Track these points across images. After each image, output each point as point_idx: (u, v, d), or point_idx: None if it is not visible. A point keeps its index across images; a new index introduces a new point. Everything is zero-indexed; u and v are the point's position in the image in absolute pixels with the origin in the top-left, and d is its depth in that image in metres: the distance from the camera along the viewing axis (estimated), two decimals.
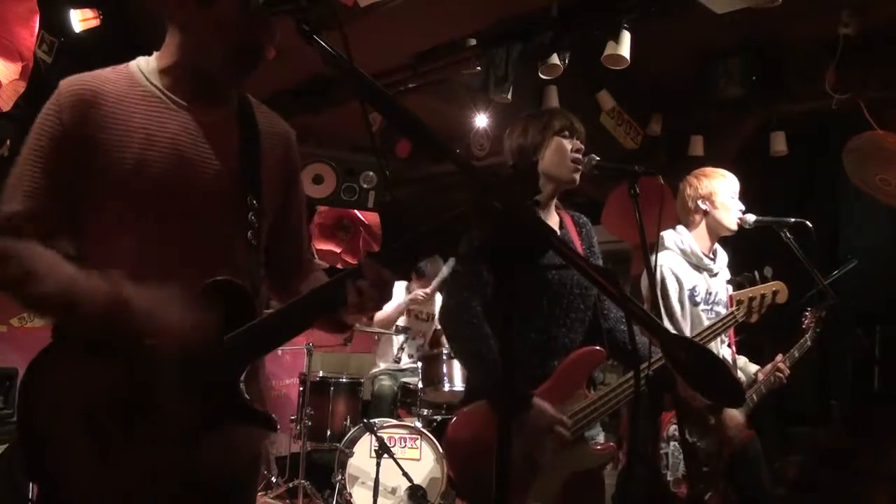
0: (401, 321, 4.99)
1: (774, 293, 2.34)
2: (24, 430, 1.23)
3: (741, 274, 2.57)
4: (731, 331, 2.72)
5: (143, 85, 1.33)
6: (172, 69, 1.35)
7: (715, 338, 2.33)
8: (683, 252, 2.71)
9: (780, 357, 2.70)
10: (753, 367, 2.76)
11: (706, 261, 2.70)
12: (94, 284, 1.18)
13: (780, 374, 2.67)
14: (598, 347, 2.05)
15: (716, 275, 2.73)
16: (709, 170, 2.80)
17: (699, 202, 2.72)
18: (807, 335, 2.73)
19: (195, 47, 1.33)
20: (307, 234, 1.61)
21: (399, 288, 5.14)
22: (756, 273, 2.37)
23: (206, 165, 1.33)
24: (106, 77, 1.32)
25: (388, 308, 4.99)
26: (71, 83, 1.29)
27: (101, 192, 1.28)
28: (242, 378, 1.28)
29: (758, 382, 2.68)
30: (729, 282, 2.73)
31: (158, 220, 1.29)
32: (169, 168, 1.29)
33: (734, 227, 2.69)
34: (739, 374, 2.80)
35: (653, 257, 2.04)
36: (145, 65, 1.36)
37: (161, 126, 1.30)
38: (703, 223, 2.73)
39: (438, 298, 5.09)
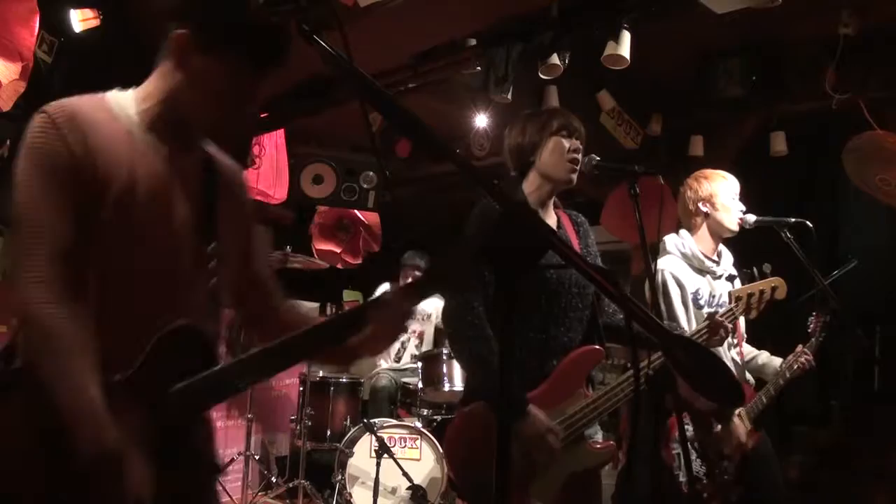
0: None
1: (773, 289, 2.34)
2: None
3: (740, 271, 2.57)
4: (739, 333, 2.72)
5: (123, 121, 1.30)
6: (154, 109, 1.32)
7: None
8: (685, 255, 2.70)
9: (800, 347, 2.70)
10: (778, 360, 2.76)
11: (708, 263, 2.70)
12: (90, 412, 1.14)
13: (805, 360, 2.66)
14: (596, 346, 2.05)
15: (719, 277, 2.73)
16: (709, 172, 2.80)
17: (700, 205, 2.72)
18: (812, 339, 2.73)
19: (187, 97, 1.31)
20: (274, 283, 1.56)
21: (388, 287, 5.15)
22: (755, 269, 2.37)
23: (177, 211, 1.32)
24: (90, 105, 1.28)
25: None
26: (62, 106, 1.23)
27: (87, 226, 1.23)
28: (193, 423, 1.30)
29: (781, 369, 2.67)
30: (734, 277, 2.72)
31: (130, 258, 1.26)
32: (145, 210, 1.27)
33: (735, 228, 2.69)
34: (765, 368, 2.80)
35: (653, 259, 2.04)
36: (123, 101, 1.33)
37: (141, 166, 1.28)
38: (705, 225, 2.74)
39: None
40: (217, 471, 1.36)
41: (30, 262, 1.17)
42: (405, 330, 1.37)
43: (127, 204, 1.24)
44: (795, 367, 2.66)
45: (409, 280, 5.00)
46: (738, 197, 2.73)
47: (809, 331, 2.75)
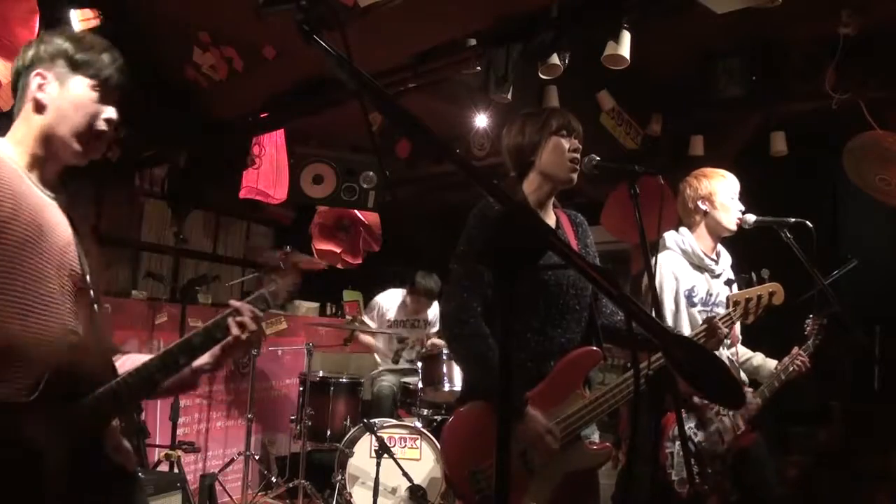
0: (396, 331, 5.02)
1: (771, 294, 2.35)
2: None
3: (738, 276, 2.57)
4: (734, 334, 2.72)
5: (10, 162, 1.44)
6: (30, 150, 1.48)
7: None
8: (684, 252, 2.71)
9: (796, 349, 2.70)
10: (773, 363, 2.76)
11: (707, 261, 2.70)
12: None
13: (801, 362, 2.65)
14: (594, 348, 2.05)
15: (717, 276, 2.72)
16: (708, 170, 2.80)
17: (699, 203, 2.72)
18: (808, 342, 2.73)
19: (48, 127, 1.47)
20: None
21: (395, 296, 5.15)
22: (753, 274, 2.37)
23: (56, 240, 1.44)
24: None
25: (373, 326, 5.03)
26: None
27: None
28: (106, 435, 1.42)
29: (777, 371, 2.67)
30: (732, 281, 2.72)
31: (14, 283, 1.36)
32: (24, 239, 1.37)
33: (734, 227, 2.69)
34: (759, 370, 2.79)
35: (653, 258, 2.04)
36: (3, 146, 1.48)
37: (25, 200, 1.40)
38: (703, 224, 2.74)
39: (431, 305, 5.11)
40: (132, 478, 1.48)
41: None
42: (256, 339, 1.55)
43: (9, 238, 1.35)
44: (791, 369, 2.65)
45: (416, 302, 5.02)
46: (737, 196, 2.73)
47: (806, 333, 2.74)
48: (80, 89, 1.48)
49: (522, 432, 1.86)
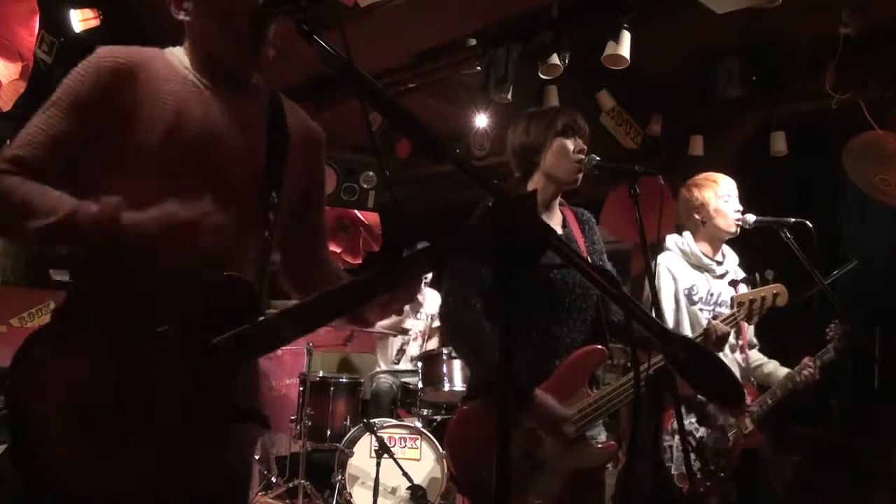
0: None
1: (775, 296, 2.34)
2: (13, 417, 1.22)
3: (742, 276, 2.57)
4: (744, 336, 2.72)
5: (176, 67, 1.34)
6: (193, 57, 1.36)
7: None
8: (683, 252, 2.72)
9: (807, 359, 2.69)
10: (784, 370, 2.75)
11: (706, 261, 2.71)
12: (86, 202, 1.17)
13: (810, 371, 2.64)
14: (599, 347, 2.05)
15: (720, 276, 2.73)
16: (699, 178, 2.80)
17: (694, 214, 2.74)
18: (830, 346, 2.71)
19: (200, 35, 1.34)
20: (325, 234, 1.59)
21: None
22: (757, 275, 2.37)
23: (235, 150, 1.32)
24: (142, 53, 1.32)
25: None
26: (111, 52, 1.28)
27: (127, 163, 1.25)
28: (237, 376, 1.28)
29: (784, 379, 2.66)
30: (738, 282, 2.71)
31: (180, 196, 1.21)
32: (198, 145, 1.28)
33: (734, 229, 2.69)
34: (771, 377, 2.78)
35: (653, 257, 2.04)
36: (178, 51, 1.38)
37: (193, 105, 1.30)
38: (703, 231, 2.75)
39: (430, 294, 5.09)
40: (266, 426, 1.32)
41: (5, 149, 1.23)
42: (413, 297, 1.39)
43: (178, 137, 1.26)
44: (798, 379, 2.65)
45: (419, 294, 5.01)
46: (733, 197, 2.72)
47: (828, 338, 2.73)
48: None
49: (538, 418, 1.87)
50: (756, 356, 2.84)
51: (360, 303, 1.28)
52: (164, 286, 1.19)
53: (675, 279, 2.64)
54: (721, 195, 2.71)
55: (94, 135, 1.25)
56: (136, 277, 1.20)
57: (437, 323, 5.03)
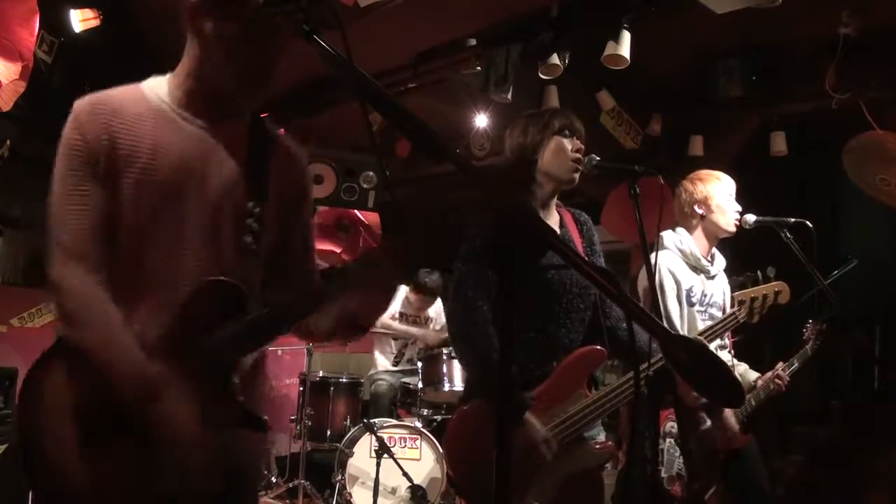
0: (397, 326, 5.01)
1: (776, 293, 2.33)
2: (24, 429, 1.26)
3: (744, 274, 2.56)
4: (730, 334, 2.72)
5: (153, 102, 1.36)
6: (186, 84, 1.37)
7: (715, 338, 2.33)
8: (682, 252, 2.71)
9: (780, 365, 2.70)
10: (754, 375, 2.75)
11: (703, 262, 2.71)
12: (140, 364, 1.23)
13: (780, 382, 2.66)
14: (598, 347, 2.05)
15: (712, 278, 2.73)
16: (703, 173, 2.80)
17: (695, 207, 2.73)
18: (807, 346, 2.72)
19: (209, 60, 1.34)
20: (313, 251, 1.58)
21: (398, 292, 5.15)
22: (759, 273, 2.37)
23: (211, 171, 1.35)
24: (118, 95, 1.36)
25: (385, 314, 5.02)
26: (87, 101, 1.32)
27: (113, 199, 1.30)
28: (237, 380, 1.30)
29: (756, 389, 2.67)
30: (731, 281, 2.73)
31: (161, 222, 1.31)
32: (173, 174, 1.31)
33: (732, 228, 2.69)
34: (738, 379, 2.79)
35: (653, 257, 2.03)
36: (156, 84, 1.40)
37: (169, 138, 1.33)
38: (701, 227, 2.74)
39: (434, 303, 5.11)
40: (263, 428, 1.34)
41: (55, 238, 1.28)
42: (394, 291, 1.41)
43: (150, 177, 1.30)
44: (771, 386, 2.66)
45: (419, 300, 5.01)
46: (734, 197, 2.72)
47: (804, 337, 2.74)
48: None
49: (519, 438, 1.86)
50: (725, 358, 2.83)
51: (344, 289, 1.33)
52: (155, 295, 1.30)
53: (676, 281, 2.64)
54: (724, 192, 2.71)
55: (109, 187, 1.29)
56: (132, 308, 1.28)
57: (439, 325, 5.04)
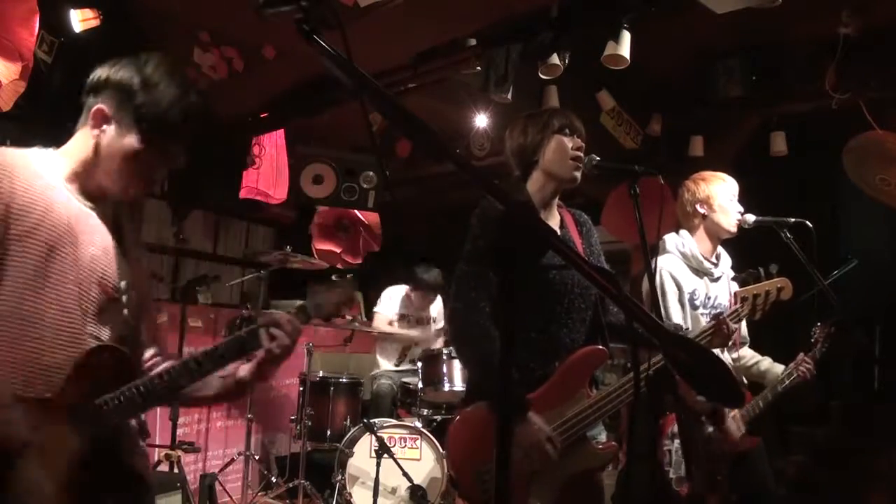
0: (398, 328, 5.01)
1: (779, 290, 2.33)
2: None
3: (746, 271, 2.56)
4: (738, 337, 2.71)
5: (44, 175, 1.43)
6: (73, 169, 1.46)
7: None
8: (684, 255, 2.71)
9: (802, 356, 2.69)
10: (780, 367, 2.75)
11: (707, 265, 2.70)
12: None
13: (804, 371, 2.64)
14: (600, 347, 2.05)
15: (717, 279, 2.72)
16: (707, 173, 2.80)
17: (697, 206, 2.73)
18: (815, 349, 2.71)
19: (99, 160, 1.45)
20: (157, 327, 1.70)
21: (397, 292, 5.15)
22: (761, 270, 2.36)
23: (86, 251, 1.43)
24: (17, 157, 1.43)
25: (387, 316, 5.03)
26: None
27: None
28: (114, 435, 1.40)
29: (776, 382, 2.66)
30: (734, 279, 2.72)
31: (41, 291, 1.37)
32: (53, 249, 1.38)
33: (734, 229, 2.69)
34: (767, 375, 2.78)
35: (653, 258, 2.04)
36: (45, 158, 1.47)
37: (55, 211, 1.40)
38: (703, 227, 2.74)
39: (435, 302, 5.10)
40: (147, 486, 1.47)
41: None
42: (290, 352, 1.54)
43: (34, 243, 1.36)
44: (795, 375, 2.65)
45: (420, 298, 5.01)
46: (736, 198, 2.73)
47: (813, 340, 2.73)
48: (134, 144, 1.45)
49: (522, 437, 1.86)
50: (748, 353, 2.83)
51: (215, 367, 1.46)
52: (47, 359, 1.36)
53: (678, 285, 2.63)
54: (727, 193, 2.71)
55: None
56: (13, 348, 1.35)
57: (440, 325, 5.04)
